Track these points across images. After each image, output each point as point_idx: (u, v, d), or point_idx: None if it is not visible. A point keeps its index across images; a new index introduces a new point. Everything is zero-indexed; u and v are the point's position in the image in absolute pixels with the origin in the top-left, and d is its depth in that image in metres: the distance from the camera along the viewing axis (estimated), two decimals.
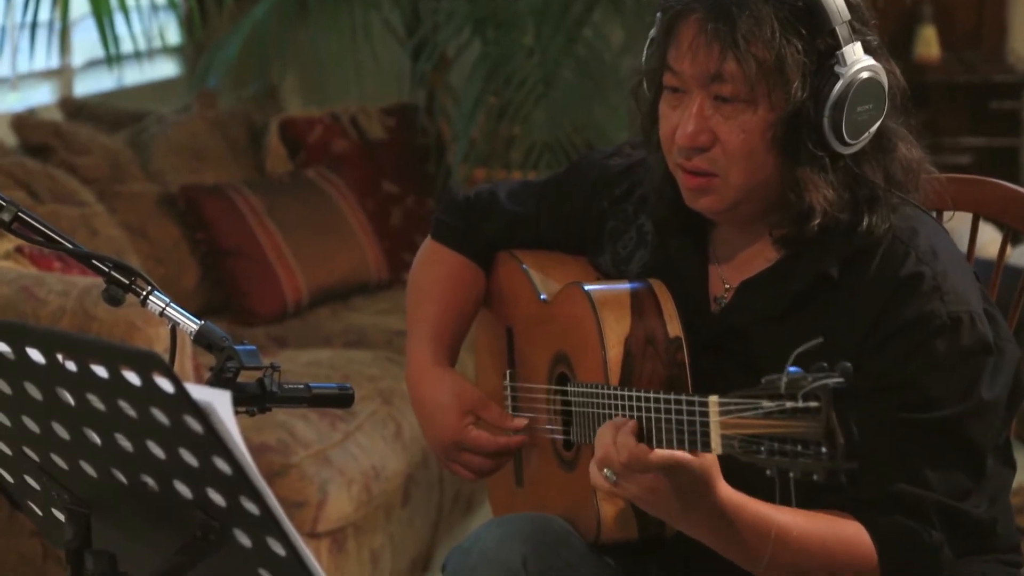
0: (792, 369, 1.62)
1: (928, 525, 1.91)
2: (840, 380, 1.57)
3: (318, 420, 3.52)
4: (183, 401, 1.47)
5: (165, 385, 1.48)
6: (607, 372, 1.98)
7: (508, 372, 2.26)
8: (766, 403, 1.62)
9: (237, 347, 1.87)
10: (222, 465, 1.51)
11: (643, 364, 1.98)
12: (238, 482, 1.51)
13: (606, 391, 1.92)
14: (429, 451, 3.48)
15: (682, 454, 1.79)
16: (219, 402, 1.48)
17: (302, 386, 1.91)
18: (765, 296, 2.00)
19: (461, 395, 2.21)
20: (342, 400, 1.94)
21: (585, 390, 1.99)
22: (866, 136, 1.93)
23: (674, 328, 2.00)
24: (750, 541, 1.86)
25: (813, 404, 1.58)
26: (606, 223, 2.16)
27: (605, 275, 2.16)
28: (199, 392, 1.48)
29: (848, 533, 1.90)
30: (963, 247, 2.11)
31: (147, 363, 1.48)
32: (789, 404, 1.60)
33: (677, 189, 2.01)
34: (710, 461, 1.81)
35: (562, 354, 2.11)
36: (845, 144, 1.92)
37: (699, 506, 1.83)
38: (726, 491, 1.84)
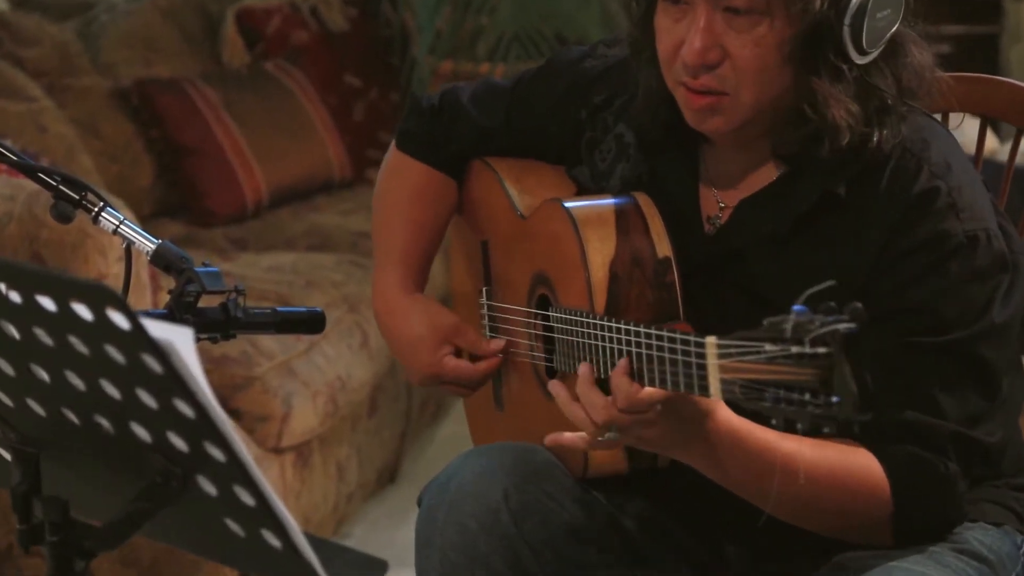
0: (797, 308, 1.48)
1: (943, 455, 1.81)
2: (852, 325, 1.44)
3: None
4: (140, 339, 1.35)
5: (120, 321, 1.35)
6: (592, 298, 1.85)
7: (484, 290, 2.13)
8: (769, 347, 1.48)
9: (198, 269, 1.74)
10: (184, 408, 1.39)
11: (630, 288, 1.86)
12: (201, 426, 1.40)
13: (593, 321, 1.79)
14: (398, 361, 3.36)
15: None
16: (180, 340, 1.35)
17: (268, 310, 1.79)
18: (766, 215, 1.87)
19: (434, 325, 2.08)
20: (312, 324, 1.81)
21: (569, 317, 1.87)
22: (882, 43, 1.80)
23: (663, 247, 1.87)
24: (754, 472, 1.75)
25: (822, 350, 1.45)
26: (583, 133, 2.02)
27: (584, 189, 2.03)
28: (158, 329, 1.35)
29: (859, 464, 1.79)
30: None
31: (100, 297, 1.35)
32: (795, 349, 1.46)
33: (673, 109, 1.87)
34: None
35: (542, 275, 1.98)
36: (863, 53, 1.79)
37: (700, 436, 1.73)
38: (728, 417, 1.73)
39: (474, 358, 2.09)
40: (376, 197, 2.18)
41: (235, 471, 1.41)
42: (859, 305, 1.45)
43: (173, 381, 1.36)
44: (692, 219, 1.92)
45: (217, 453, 1.41)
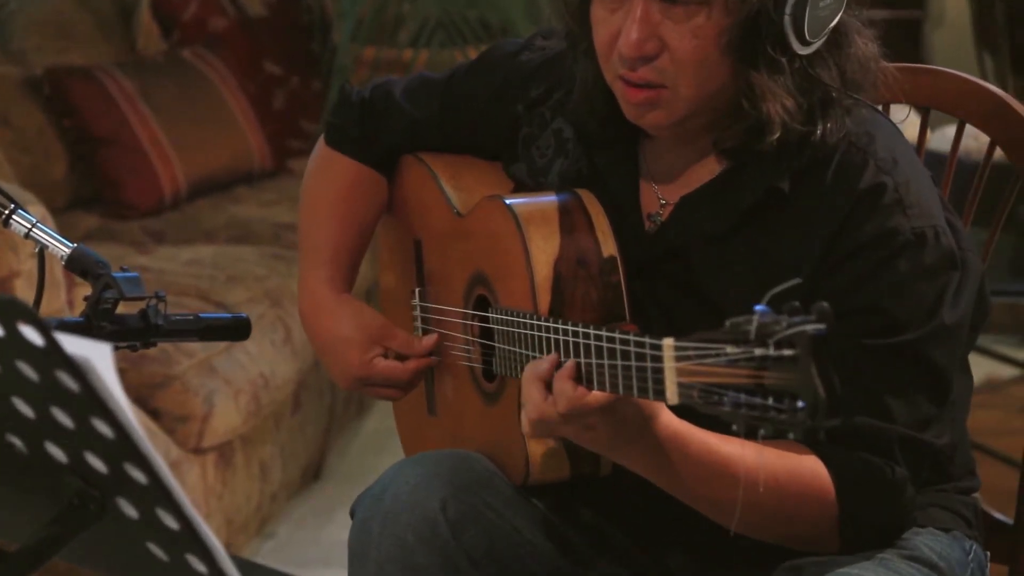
0: (760, 308, 1.41)
1: (891, 460, 1.75)
2: (820, 326, 1.37)
3: None
4: (54, 356, 1.25)
5: (32, 336, 1.25)
6: (535, 298, 1.77)
7: (417, 291, 2.04)
8: (731, 349, 1.42)
9: (116, 274, 1.65)
10: (102, 428, 1.30)
11: (575, 288, 1.78)
12: (121, 447, 1.31)
13: (538, 323, 1.72)
14: None
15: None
16: (97, 356, 1.26)
17: (191, 317, 1.70)
18: (708, 212, 1.81)
19: (363, 326, 2.00)
20: (237, 331, 1.72)
21: (511, 319, 1.79)
22: (825, 33, 1.73)
23: (608, 246, 1.80)
24: (696, 476, 1.70)
25: (788, 352, 1.38)
26: (520, 129, 1.95)
27: (522, 186, 1.95)
28: (74, 344, 1.26)
29: (804, 468, 1.73)
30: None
31: (11, 311, 1.26)
32: (759, 351, 1.39)
33: (611, 103, 1.80)
34: None
35: (480, 275, 1.90)
36: (805, 44, 1.72)
37: (640, 439, 1.67)
38: (669, 421, 1.67)
39: (403, 360, 2.01)
40: (303, 193, 2.09)
41: (157, 493, 1.33)
42: (826, 305, 1.38)
43: (90, 400, 1.28)
44: (632, 217, 1.86)
45: (138, 475, 1.32)
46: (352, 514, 1.90)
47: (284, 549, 3.51)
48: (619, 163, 1.87)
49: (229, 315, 1.72)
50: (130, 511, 1.36)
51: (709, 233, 1.81)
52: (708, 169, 1.83)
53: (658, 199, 1.86)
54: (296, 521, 3.65)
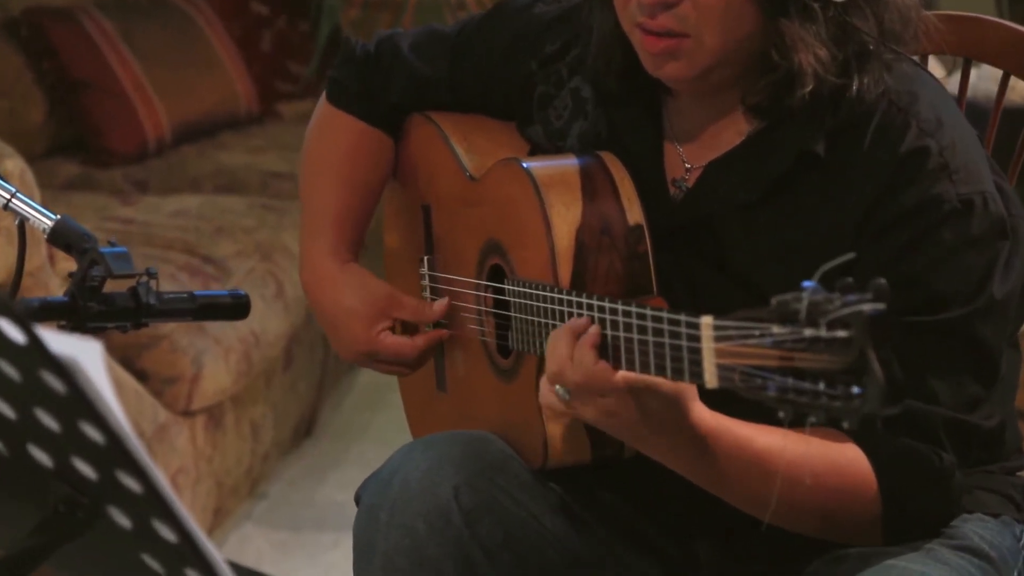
0: (808, 284, 1.29)
1: (938, 446, 1.64)
2: (879, 306, 1.25)
3: (189, 280, 3.17)
4: (38, 355, 1.13)
5: (14, 334, 1.13)
6: (556, 269, 1.65)
7: (426, 258, 1.91)
8: (777, 329, 1.30)
9: (104, 249, 1.52)
10: (91, 432, 1.19)
11: (598, 259, 1.66)
12: (113, 454, 1.19)
13: (560, 296, 1.59)
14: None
15: (652, 377, 1.49)
16: (87, 356, 1.14)
17: (185, 295, 1.57)
18: (737, 178, 1.69)
19: (369, 297, 1.88)
20: (234, 310, 1.60)
21: (530, 291, 1.66)
22: None
23: (634, 213, 1.68)
24: (729, 472, 1.59)
25: (842, 334, 1.26)
26: (535, 88, 1.82)
27: (539, 149, 1.82)
28: (61, 342, 1.14)
29: (844, 460, 1.62)
30: None
31: None
32: (809, 332, 1.27)
33: (629, 53, 1.68)
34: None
35: (495, 243, 1.77)
36: None
37: (668, 431, 1.56)
38: (702, 414, 1.56)
39: (412, 334, 1.88)
40: (305, 153, 1.97)
41: (153, 504, 1.21)
42: (883, 281, 1.27)
43: (78, 402, 1.15)
44: (655, 182, 1.73)
45: (132, 483, 1.21)
46: (357, 500, 1.78)
47: (277, 510, 3.40)
48: (640, 123, 1.75)
49: (226, 292, 1.60)
50: (123, 521, 1.25)
51: (739, 201, 1.69)
52: (736, 128, 1.71)
53: (683, 163, 1.74)
54: (288, 481, 3.54)
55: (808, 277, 1.65)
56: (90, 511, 1.25)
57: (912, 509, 1.65)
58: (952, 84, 3.80)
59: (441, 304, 1.87)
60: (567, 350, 1.53)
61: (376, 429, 3.70)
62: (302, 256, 1.93)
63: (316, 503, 3.45)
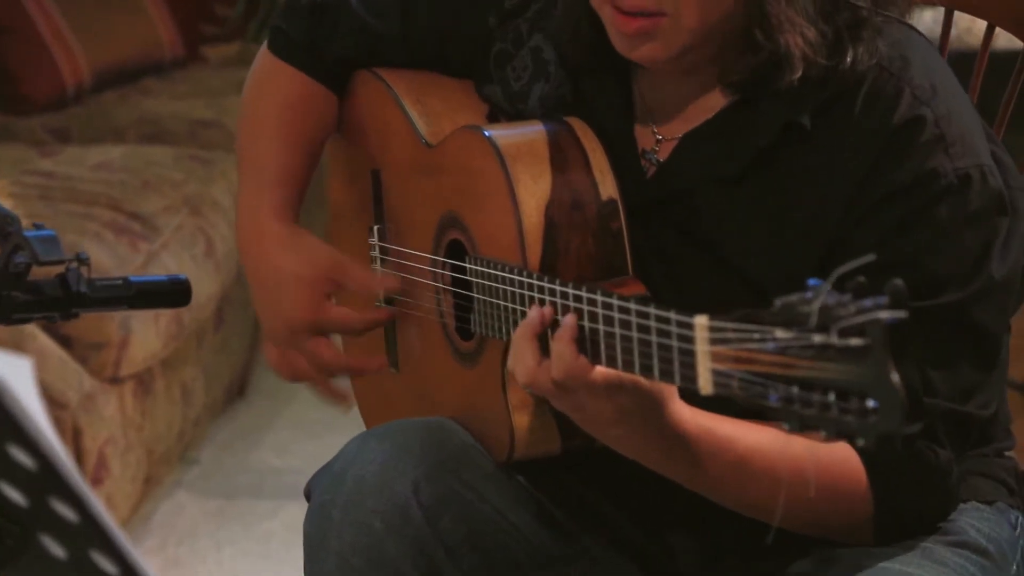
0: (813, 283, 1.18)
1: (934, 441, 1.54)
2: (899, 313, 1.14)
3: (114, 239, 3.01)
4: None
5: None
6: (524, 250, 1.53)
7: (376, 228, 1.78)
8: (781, 333, 1.18)
9: (28, 233, 1.38)
10: (21, 457, 1.07)
11: (569, 237, 1.54)
12: (44, 479, 1.07)
13: (531, 280, 1.47)
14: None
15: (630, 375, 1.38)
16: (16, 375, 1.02)
17: (120, 281, 1.44)
18: (716, 150, 1.58)
19: (315, 261, 1.74)
20: (174, 296, 1.47)
21: (496, 272, 1.54)
22: None
23: (607, 187, 1.56)
24: (710, 474, 1.50)
25: (856, 343, 1.14)
26: (492, 45, 1.69)
27: (499, 111, 1.69)
28: None
29: (833, 459, 1.52)
30: None
31: None
32: (818, 339, 1.16)
33: (599, 29, 1.56)
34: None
35: (454, 217, 1.64)
36: None
37: (644, 431, 1.46)
38: (681, 415, 1.46)
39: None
40: (243, 105, 1.83)
41: (90, 533, 1.09)
42: (900, 283, 1.16)
43: (5, 425, 1.02)
44: (625, 154, 1.61)
45: (67, 512, 1.09)
46: (307, 495, 1.66)
47: (210, 477, 3.26)
48: (608, 91, 1.63)
49: (165, 277, 1.47)
50: (56, 551, 1.13)
51: (718, 175, 1.57)
52: (713, 101, 1.59)
53: (654, 134, 1.62)
54: (221, 444, 3.40)
55: (793, 257, 1.56)
56: (20, 539, 1.13)
57: (905, 511, 1.55)
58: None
59: (393, 278, 1.74)
60: (534, 359, 1.43)
61: (310, 390, 3.57)
62: (240, 215, 1.79)
63: (251, 468, 3.32)
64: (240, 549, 3.00)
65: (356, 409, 1.88)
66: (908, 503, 1.54)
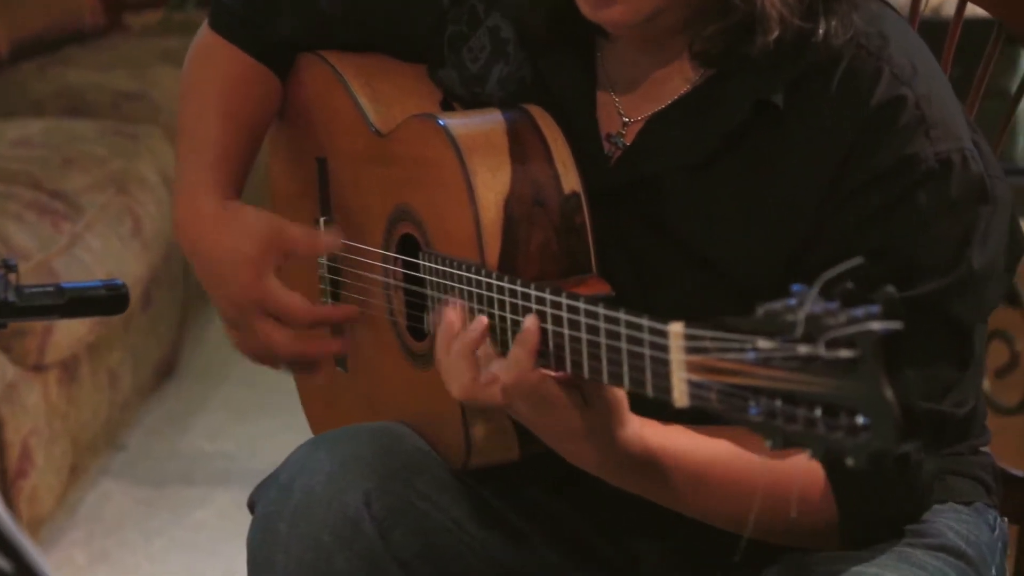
0: (798, 288, 1.10)
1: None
2: (893, 324, 1.07)
3: (36, 220, 2.91)
4: None
5: None
6: (482, 247, 1.45)
7: (322, 220, 1.69)
8: (763, 343, 1.10)
9: None
10: None
11: (529, 233, 1.47)
12: None
13: (490, 281, 1.40)
14: (174, 246, 2.92)
15: (578, 397, 1.36)
16: None
17: (52, 288, 1.34)
18: (683, 133, 1.50)
19: (255, 234, 1.64)
20: (111, 303, 1.37)
21: (452, 271, 1.46)
22: None
23: (570, 180, 1.49)
24: (668, 487, 1.45)
25: (845, 354, 1.07)
26: (445, 27, 1.61)
27: (454, 97, 1.60)
28: None
29: (789, 464, 1.44)
30: None
31: None
32: (804, 350, 1.08)
33: None
34: (619, 395, 1.37)
35: (406, 210, 1.55)
36: None
37: (597, 448, 1.41)
38: (634, 432, 1.40)
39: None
40: (183, 80, 1.74)
41: None
42: (892, 290, 1.09)
43: None
44: (588, 138, 1.54)
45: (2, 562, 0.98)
46: (251, 507, 1.57)
47: (138, 464, 3.16)
48: (570, 69, 1.55)
49: (100, 282, 1.37)
50: None
51: (686, 160, 1.50)
52: (683, 78, 1.52)
53: (620, 115, 1.54)
54: (149, 428, 3.30)
55: (766, 246, 1.49)
56: None
57: (872, 513, 1.49)
58: None
59: (335, 234, 1.65)
60: (470, 371, 1.38)
61: (242, 369, 3.46)
62: (179, 194, 1.70)
63: (181, 453, 3.22)
64: (170, 540, 2.90)
65: (293, 390, 1.80)
66: (873, 505, 1.48)
